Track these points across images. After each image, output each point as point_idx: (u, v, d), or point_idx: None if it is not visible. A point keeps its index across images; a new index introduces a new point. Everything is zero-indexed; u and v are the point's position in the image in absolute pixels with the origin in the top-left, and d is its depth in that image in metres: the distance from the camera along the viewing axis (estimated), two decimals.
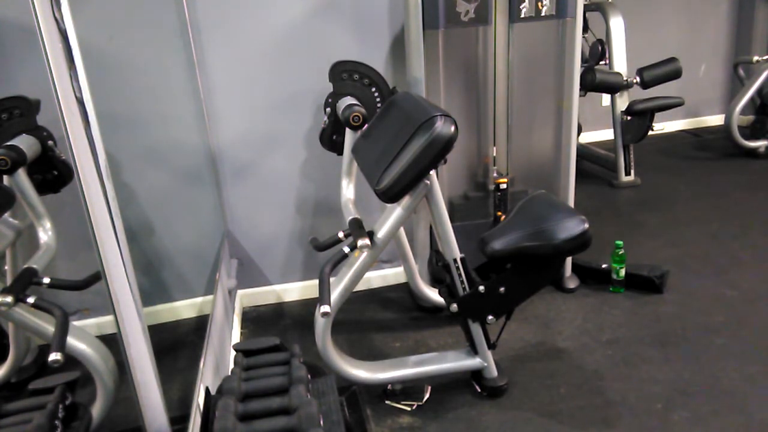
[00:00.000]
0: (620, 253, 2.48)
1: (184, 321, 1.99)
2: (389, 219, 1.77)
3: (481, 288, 1.84)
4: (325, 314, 1.64)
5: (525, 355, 2.18)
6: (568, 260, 2.60)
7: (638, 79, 3.62)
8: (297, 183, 2.55)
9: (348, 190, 2.24)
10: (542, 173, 2.47)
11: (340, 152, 2.26)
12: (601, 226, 3.08)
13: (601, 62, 3.72)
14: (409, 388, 2.02)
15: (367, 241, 1.73)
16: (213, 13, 2.25)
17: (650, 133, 3.60)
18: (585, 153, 4.13)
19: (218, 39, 2.29)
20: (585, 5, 3.45)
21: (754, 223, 3.05)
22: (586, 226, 1.74)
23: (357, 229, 1.85)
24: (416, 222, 2.46)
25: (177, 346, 1.81)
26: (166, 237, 1.93)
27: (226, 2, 2.25)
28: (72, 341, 1.27)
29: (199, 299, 2.06)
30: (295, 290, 2.72)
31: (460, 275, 1.85)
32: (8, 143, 1.35)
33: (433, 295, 2.43)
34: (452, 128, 1.56)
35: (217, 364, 1.88)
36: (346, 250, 1.75)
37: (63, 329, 1.22)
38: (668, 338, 2.19)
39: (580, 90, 2.45)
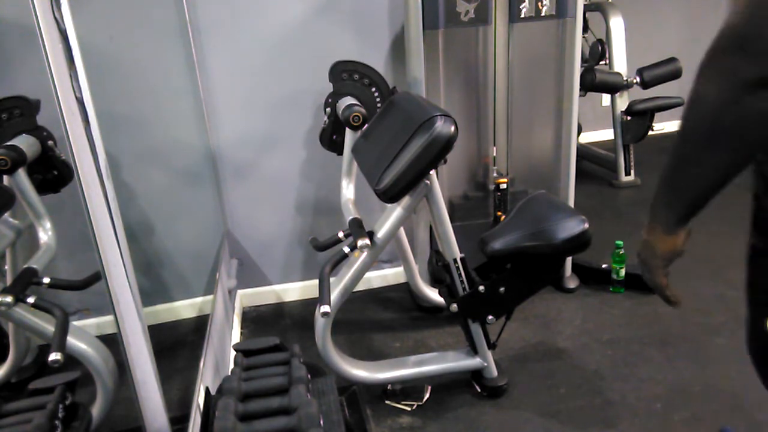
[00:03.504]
0: (620, 253, 2.48)
1: (184, 321, 1.99)
2: (389, 219, 1.77)
3: (481, 288, 1.84)
4: (325, 314, 1.64)
5: (525, 355, 2.18)
6: (568, 260, 2.60)
7: (638, 79, 3.62)
8: (297, 183, 2.55)
9: (348, 190, 2.24)
10: (542, 173, 2.47)
11: (340, 152, 2.26)
12: (601, 226, 3.08)
13: (601, 62, 3.72)
14: (409, 388, 2.02)
15: (367, 241, 1.73)
16: (213, 13, 2.25)
17: (650, 133, 3.60)
18: (585, 153, 4.13)
19: (218, 39, 2.29)
20: (585, 5, 3.45)
21: None
22: (586, 226, 1.74)
23: (357, 229, 1.85)
24: (416, 222, 2.46)
25: (177, 346, 1.81)
26: (166, 237, 1.93)
27: (226, 2, 2.25)
28: (72, 341, 1.27)
29: (199, 299, 2.06)
30: (295, 290, 2.72)
31: (460, 275, 1.85)
32: (8, 143, 1.35)
33: (433, 295, 2.43)
34: (452, 128, 1.56)
35: (217, 364, 1.88)
36: (346, 250, 1.75)
37: (63, 329, 1.22)
38: (668, 338, 2.19)
39: (580, 90, 2.44)
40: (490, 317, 1.88)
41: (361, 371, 1.92)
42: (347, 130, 2.13)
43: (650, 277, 0.98)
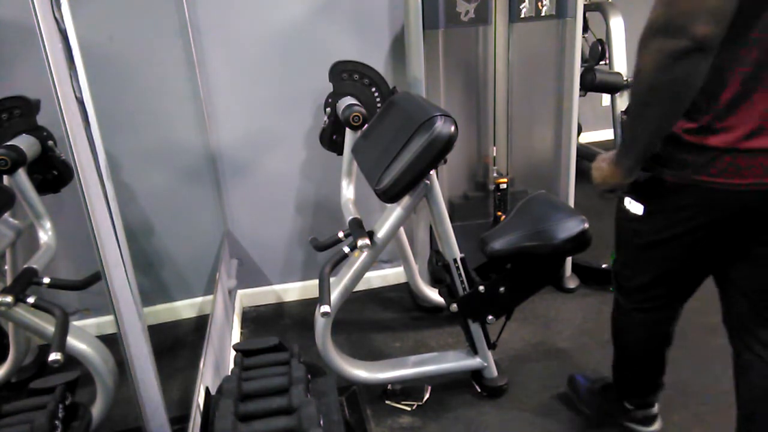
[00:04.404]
0: None
1: (184, 321, 1.99)
2: (389, 219, 1.76)
3: (481, 288, 1.84)
4: (325, 314, 1.64)
5: (525, 355, 2.18)
6: (568, 260, 2.60)
7: None
8: (297, 183, 2.55)
9: (348, 190, 2.24)
10: (542, 173, 2.47)
11: (340, 152, 2.26)
12: (601, 226, 3.07)
13: (601, 62, 3.71)
14: (409, 388, 2.02)
15: (367, 240, 1.73)
16: (213, 13, 2.25)
17: None
18: (585, 153, 4.12)
19: (218, 39, 2.29)
20: (585, 5, 3.44)
21: None
22: (586, 226, 1.74)
23: (357, 229, 1.85)
24: (416, 222, 2.46)
25: (177, 346, 1.81)
26: (166, 237, 1.93)
27: (226, 2, 2.25)
28: (72, 341, 1.27)
29: (199, 299, 2.06)
30: (295, 290, 2.72)
31: (460, 275, 1.85)
32: (8, 143, 1.35)
33: (433, 295, 2.43)
34: (452, 128, 1.56)
35: (217, 364, 1.88)
36: (346, 250, 1.75)
37: (63, 329, 1.22)
38: None
39: (580, 90, 2.44)
40: (490, 317, 1.88)
41: (361, 371, 1.92)
42: (347, 130, 2.13)
43: (598, 191, 1.40)
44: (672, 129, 1.19)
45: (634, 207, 1.37)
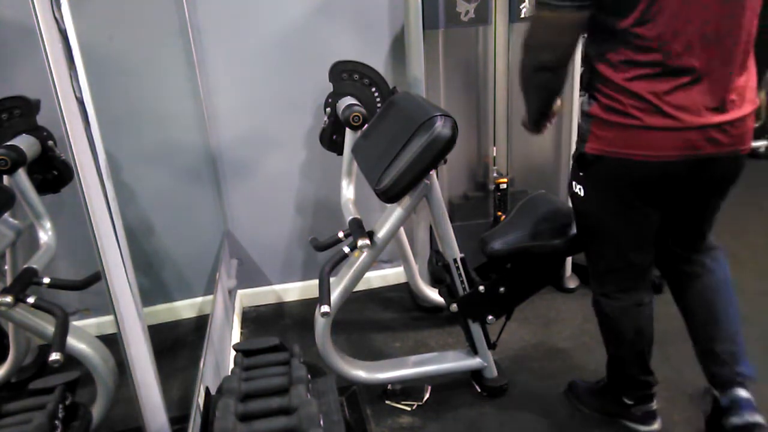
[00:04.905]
0: None
1: (184, 321, 1.99)
2: (389, 219, 1.76)
3: (481, 288, 1.84)
4: (325, 314, 1.64)
5: (525, 355, 2.18)
6: (568, 260, 2.60)
7: None
8: (297, 183, 2.55)
9: (348, 190, 2.24)
10: (542, 173, 2.47)
11: (340, 152, 2.26)
12: None
13: None
14: (409, 388, 2.02)
15: (367, 241, 1.73)
16: (213, 13, 2.25)
17: None
18: None
19: (218, 39, 2.29)
20: None
21: (754, 223, 3.04)
22: None
23: (357, 229, 1.85)
24: (416, 222, 2.46)
25: (177, 346, 1.81)
26: (166, 237, 1.93)
27: (226, 2, 2.25)
28: (72, 341, 1.28)
29: (199, 299, 2.06)
30: (295, 290, 2.72)
31: (460, 275, 1.85)
32: (8, 143, 1.35)
33: (433, 295, 2.43)
34: (452, 128, 1.56)
35: (217, 364, 1.88)
36: (346, 250, 1.75)
37: (63, 329, 1.22)
38: (668, 338, 2.19)
39: (580, 90, 2.44)
40: (490, 317, 1.88)
41: (361, 371, 1.92)
42: (347, 130, 2.13)
43: (529, 131, 1.72)
44: (551, 105, 1.56)
45: (578, 189, 1.54)
